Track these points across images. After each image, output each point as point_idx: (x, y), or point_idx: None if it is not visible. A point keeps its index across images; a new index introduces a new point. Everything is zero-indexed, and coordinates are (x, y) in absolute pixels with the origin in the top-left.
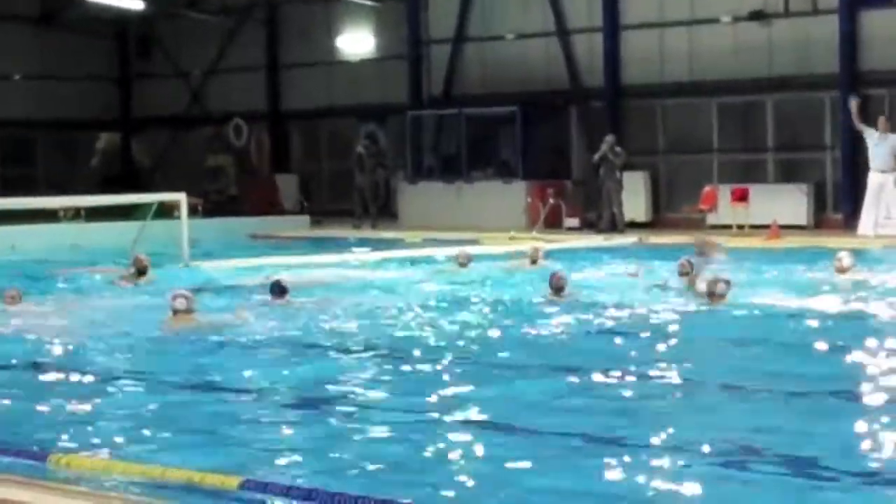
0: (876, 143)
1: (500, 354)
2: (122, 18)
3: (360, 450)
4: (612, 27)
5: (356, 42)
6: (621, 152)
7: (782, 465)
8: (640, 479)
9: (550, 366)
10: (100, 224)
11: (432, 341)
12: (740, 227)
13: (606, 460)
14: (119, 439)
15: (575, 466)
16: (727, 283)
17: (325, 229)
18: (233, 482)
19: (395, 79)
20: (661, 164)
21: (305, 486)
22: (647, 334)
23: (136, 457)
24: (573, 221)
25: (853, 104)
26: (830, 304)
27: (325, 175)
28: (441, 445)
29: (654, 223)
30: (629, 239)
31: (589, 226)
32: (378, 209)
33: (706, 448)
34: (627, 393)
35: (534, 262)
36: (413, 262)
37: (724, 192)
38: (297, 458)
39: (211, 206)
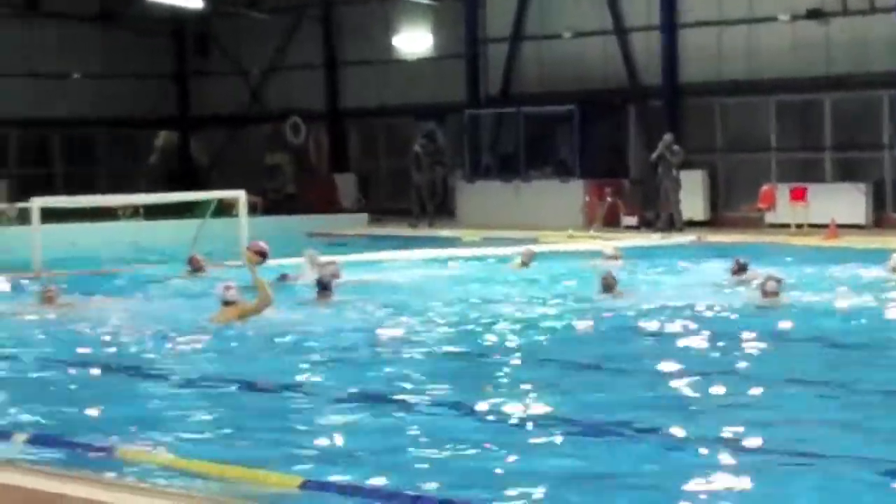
0: None
1: (563, 353)
2: (179, 17)
3: (423, 449)
4: (670, 25)
5: (414, 41)
6: (679, 151)
7: (849, 463)
8: (710, 474)
9: (602, 364)
10: (158, 222)
11: (496, 339)
12: (799, 226)
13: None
14: (173, 437)
15: (649, 465)
16: (778, 281)
17: (383, 227)
18: (294, 481)
19: (453, 77)
20: (720, 162)
21: (365, 485)
22: (707, 332)
23: (188, 452)
24: (631, 220)
25: None
26: (887, 302)
27: (383, 173)
28: (503, 443)
29: (713, 222)
30: (687, 237)
31: (647, 224)
32: (435, 208)
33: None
34: (688, 392)
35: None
36: (477, 259)
37: (783, 190)
38: (357, 456)
39: (269, 204)
